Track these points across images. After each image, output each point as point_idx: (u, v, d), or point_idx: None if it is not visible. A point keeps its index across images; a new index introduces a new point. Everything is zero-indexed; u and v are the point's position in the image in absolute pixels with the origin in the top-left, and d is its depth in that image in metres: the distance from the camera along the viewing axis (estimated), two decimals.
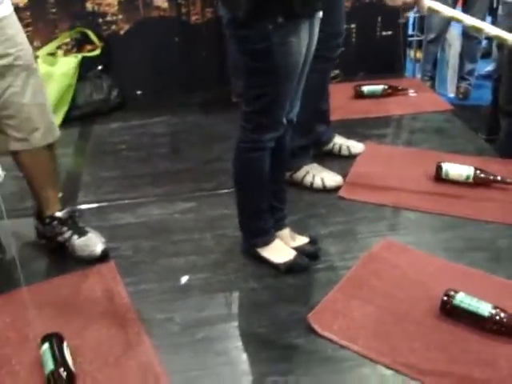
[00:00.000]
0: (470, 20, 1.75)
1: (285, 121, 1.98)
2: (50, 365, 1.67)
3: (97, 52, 3.60)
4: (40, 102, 2.09)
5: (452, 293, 1.87)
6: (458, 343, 1.78)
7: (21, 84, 2.01)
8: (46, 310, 1.99)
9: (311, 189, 2.64)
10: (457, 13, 1.80)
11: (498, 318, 1.79)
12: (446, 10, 1.75)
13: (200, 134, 3.31)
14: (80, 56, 3.55)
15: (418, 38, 4.45)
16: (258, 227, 2.14)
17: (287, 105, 1.95)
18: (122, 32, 3.71)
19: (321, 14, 1.92)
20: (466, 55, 4.68)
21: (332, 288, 2.02)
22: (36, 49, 3.48)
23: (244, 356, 1.82)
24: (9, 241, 2.24)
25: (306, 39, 1.86)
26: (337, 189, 2.63)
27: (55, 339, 1.75)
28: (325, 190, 2.63)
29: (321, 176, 2.64)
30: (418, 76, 4.48)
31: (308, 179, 2.64)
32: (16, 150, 2.11)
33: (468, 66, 4.71)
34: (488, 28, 1.73)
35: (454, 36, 4.61)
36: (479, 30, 1.75)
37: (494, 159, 2.92)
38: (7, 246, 2.27)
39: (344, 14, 2.60)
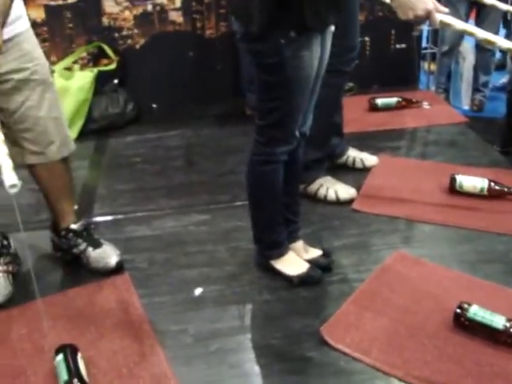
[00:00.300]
0: (482, 33, 1.74)
1: (298, 134, 1.99)
2: (64, 376, 1.69)
3: (113, 66, 3.64)
4: (56, 115, 2.12)
5: (465, 305, 1.87)
6: (471, 356, 1.78)
7: (37, 98, 2.04)
8: (61, 322, 2.00)
9: (325, 201, 2.64)
10: (469, 26, 1.79)
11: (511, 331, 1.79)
12: (458, 24, 1.74)
13: (214, 147, 3.33)
14: (96, 70, 3.59)
15: (432, 51, 4.46)
16: (271, 240, 2.15)
17: (300, 118, 1.96)
18: (137, 46, 3.75)
19: (333, 28, 1.94)
20: (479, 67, 4.66)
21: (345, 300, 2.02)
22: (53, 63, 3.52)
23: (257, 368, 1.82)
24: (25, 253, 2.26)
25: (318, 53, 1.88)
26: (350, 201, 2.63)
27: (69, 350, 1.76)
28: (338, 203, 2.63)
29: (334, 189, 2.65)
30: (433, 88, 4.47)
31: (322, 192, 2.65)
32: (32, 164, 2.14)
33: (482, 78, 4.69)
34: (500, 41, 1.72)
35: (467, 48, 4.61)
36: (492, 44, 1.74)
37: (508, 171, 2.90)
38: (23, 258, 2.28)
39: (358, 27, 2.61)
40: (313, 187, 2.66)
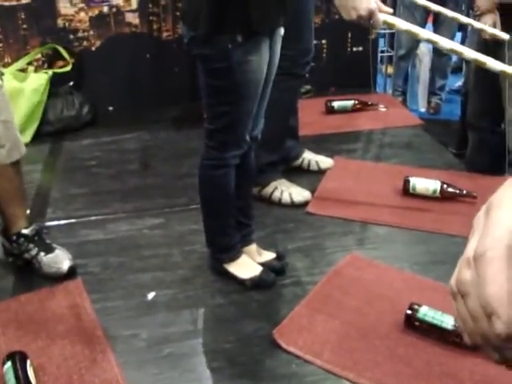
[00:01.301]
0: (425, 34, 1.77)
1: (248, 138, 1.99)
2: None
3: (68, 68, 3.60)
4: (5, 118, 2.08)
5: (416, 306, 1.89)
6: (422, 356, 1.80)
7: None
8: (12, 328, 1.97)
9: (279, 204, 2.65)
10: (412, 26, 1.81)
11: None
12: (402, 24, 1.77)
13: (171, 150, 3.31)
14: (51, 72, 3.54)
15: (389, 54, 4.51)
16: (224, 243, 2.15)
17: (250, 122, 1.96)
18: (93, 48, 3.71)
19: (282, 31, 1.94)
20: (436, 71, 4.73)
21: (298, 303, 2.03)
22: (6, 65, 3.47)
23: (209, 373, 1.82)
24: None
25: (267, 57, 1.88)
26: (305, 204, 2.64)
27: (18, 357, 1.73)
28: (293, 206, 2.64)
29: (289, 191, 2.66)
30: (390, 91, 4.52)
31: (276, 195, 2.65)
32: None
33: (439, 82, 4.76)
34: (442, 41, 1.76)
35: (424, 52, 4.68)
36: (434, 43, 1.77)
37: (461, 173, 2.96)
38: None
39: (313, 31, 2.63)
40: (267, 190, 2.66)
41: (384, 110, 3.71)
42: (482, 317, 0.53)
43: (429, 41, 1.76)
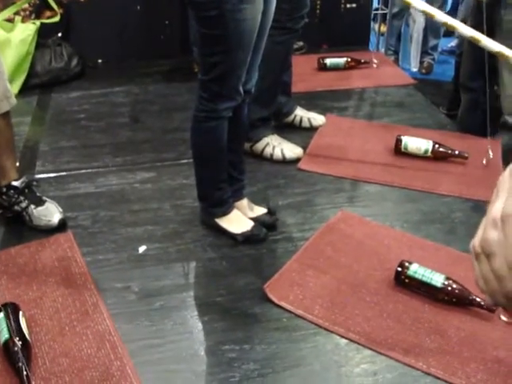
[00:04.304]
0: (420, 5, 1.76)
1: (242, 91, 1.96)
2: (4, 334, 1.66)
3: (56, 19, 3.53)
4: None
5: (406, 264, 1.91)
6: (410, 313, 1.82)
7: None
8: (3, 280, 1.97)
9: (271, 160, 2.65)
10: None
11: (449, 289, 1.83)
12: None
13: (161, 104, 3.29)
14: (38, 23, 3.47)
15: (383, 12, 4.45)
16: (215, 197, 2.14)
17: (243, 74, 1.92)
18: None
19: None
20: (429, 30, 4.69)
21: (289, 259, 2.03)
22: None
23: (200, 325, 1.83)
24: None
25: (260, 7, 1.84)
26: (297, 160, 2.64)
27: (10, 308, 1.73)
28: (284, 162, 2.64)
29: (281, 147, 2.65)
30: (382, 50, 4.48)
31: (268, 150, 2.65)
32: None
33: (432, 42, 4.73)
34: (439, 15, 1.75)
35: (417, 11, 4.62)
36: (431, 17, 1.77)
37: (453, 134, 2.96)
38: None
39: None
40: (259, 146, 2.65)
41: (376, 66, 3.69)
42: (508, 276, 0.53)
43: (424, 12, 1.76)
